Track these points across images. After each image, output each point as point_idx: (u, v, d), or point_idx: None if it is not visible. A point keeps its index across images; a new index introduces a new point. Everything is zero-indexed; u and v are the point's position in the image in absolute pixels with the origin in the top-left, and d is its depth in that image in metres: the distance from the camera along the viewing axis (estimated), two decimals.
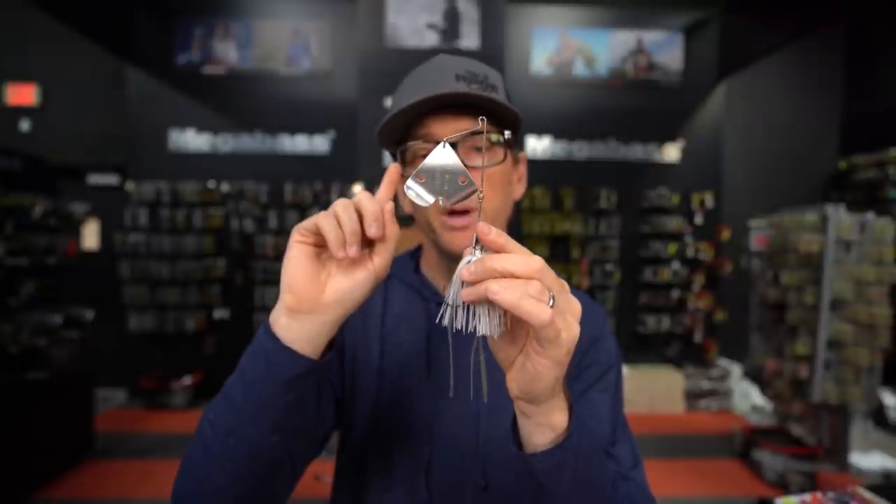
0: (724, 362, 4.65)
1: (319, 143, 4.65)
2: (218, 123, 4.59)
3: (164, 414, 4.08)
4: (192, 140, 4.58)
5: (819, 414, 3.12)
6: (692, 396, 4.39)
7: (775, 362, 3.35)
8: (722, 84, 4.80)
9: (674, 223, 4.73)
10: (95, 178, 4.60)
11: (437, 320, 0.39)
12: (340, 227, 0.41)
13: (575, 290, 0.69)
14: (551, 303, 0.35)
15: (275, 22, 4.61)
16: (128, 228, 4.45)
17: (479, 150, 0.59)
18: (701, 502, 2.78)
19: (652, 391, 4.32)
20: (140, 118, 4.52)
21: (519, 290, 0.34)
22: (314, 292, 0.43)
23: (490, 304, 0.37)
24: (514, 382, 0.40)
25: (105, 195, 4.53)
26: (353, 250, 0.41)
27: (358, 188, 4.25)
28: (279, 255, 4.57)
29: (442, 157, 0.42)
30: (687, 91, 4.82)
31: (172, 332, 4.52)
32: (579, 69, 4.79)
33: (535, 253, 0.37)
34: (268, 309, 4.56)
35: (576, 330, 0.37)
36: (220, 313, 4.58)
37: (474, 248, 0.37)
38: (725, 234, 4.80)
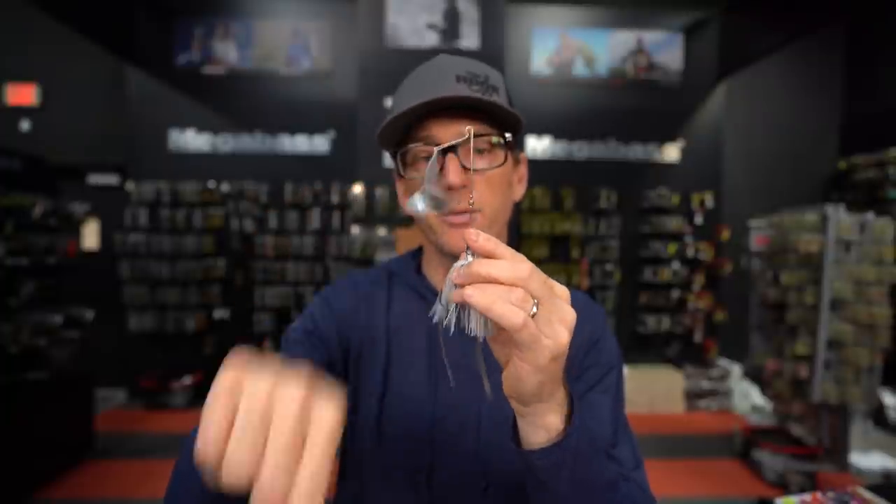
0: (724, 362, 4.64)
1: (319, 143, 4.65)
2: (218, 123, 4.59)
3: (164, 414, 4.08)
4: (192, 140, 4.58)
5: (819, 414, 3.12)
6: (692, 396, 4.39)
7: (775, 362, 3.35)
8: (722, 84, 4.80)
9: (674, 223, 4.73)
10: (95, 178, 4.60)
11: (429, 315, 0.40)
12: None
13: (575, 290, 0.69)
14: (534, 310, 0.36)
15: (275, 22, 4.61)
16: (128, 228, 4.45)
17: (479, 152, 0.59)
18: (701, 502, 2.78)
19: (652, 391, 4.32)
20: (140, 118, 4.52)
21: (492, 294, 0.35)
22: None
23: None
24: (505, 381, 0.41)
25: (105, 195, 4.53)
26: None
27: (358, 189, 4.25)
28: (279, 256, 4.58)
29: (433, 168, 0.45)
30: (687, 91, 4.82)
31: (172, 332, 4.52)
32: (579, 69, 4.79)
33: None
34: (268, 309, 4.59)
35: (563, 338, 0.37)
36: (220, 313, 4.58)
37: (467, 252, 0.38)
38: (725, 234, 4.80)
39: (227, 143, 4.60)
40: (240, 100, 4.60)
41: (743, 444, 3.30)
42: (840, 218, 3.03)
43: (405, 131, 0.61)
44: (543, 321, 0.36)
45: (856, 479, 2.98)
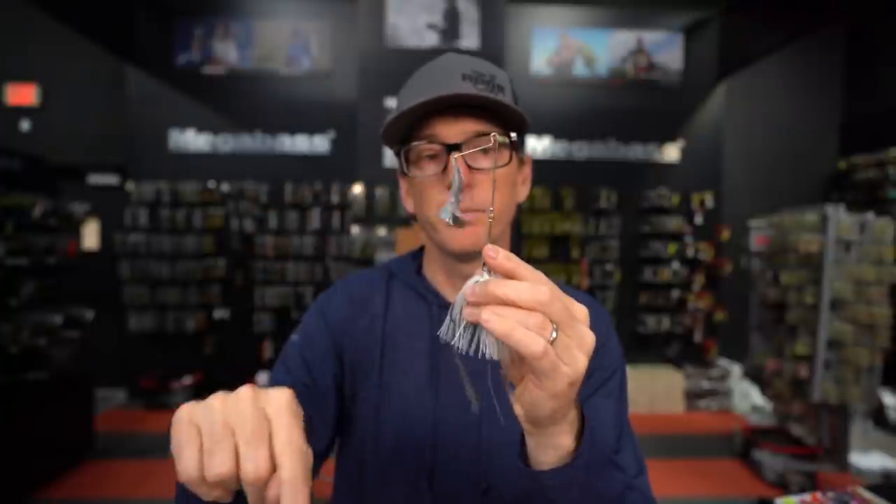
0: (724, 362, 4.65)
1: (319, 143, 4.65)
2: (218, 123, 4.59)
3: (164, 414, 4.08)
4: (192, 140, 4.58)
5: (819, 414, 3.12)
6: (692, 396, 4.39)
7: (775, 362, 3.35)
8: (722, 84, 4.80)
9: (674, 223, 4.73)
10: (95, 178, 4.60)
11: (438, 333, 0.38)
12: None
13: (580, 293, 0.69)
14: (554, 336, 0.34)
15: (275, 22, 4.61)
16: (128, 228, 4.45)
17: (483, 151, 0.58)
18: (701, 502, 2.78)
19: (652, 391, 4.32)
20: (140, 118, 4.52)
21: (511, 320, 0.33)
22: None
23: None
24: (517, 403, 0.39)
25: (105, 195, 4.53)
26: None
27: (358, 189, 4.25)
28: (279, 256, 4.58)
29: (460, 179, 0.45)
30: (687, 91, 4.82)
31: (172, 332, 4.52)
32: (579, 69, 4.79)
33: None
34: (268, 309, 4.59)
35: (582, 365, 0.35)
36: (220, 313, 4.58)
37: (483, 269, 0.36)
38: (725, 234, 4.80)
39: (227, 143, 4.60)
40: (240, 100, 4.60)
41: (743, 444, 3.30)
42: (840, 218, 3.03)
43: (410, 129, 0.61)
44: (562, 347, 0.34)
45: (856, 479, 2.98)
